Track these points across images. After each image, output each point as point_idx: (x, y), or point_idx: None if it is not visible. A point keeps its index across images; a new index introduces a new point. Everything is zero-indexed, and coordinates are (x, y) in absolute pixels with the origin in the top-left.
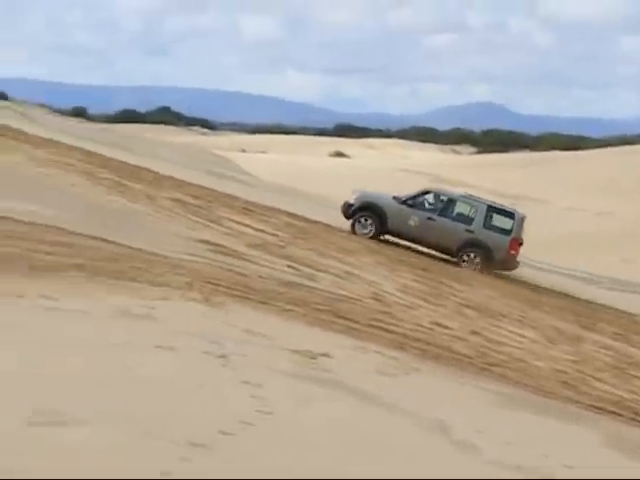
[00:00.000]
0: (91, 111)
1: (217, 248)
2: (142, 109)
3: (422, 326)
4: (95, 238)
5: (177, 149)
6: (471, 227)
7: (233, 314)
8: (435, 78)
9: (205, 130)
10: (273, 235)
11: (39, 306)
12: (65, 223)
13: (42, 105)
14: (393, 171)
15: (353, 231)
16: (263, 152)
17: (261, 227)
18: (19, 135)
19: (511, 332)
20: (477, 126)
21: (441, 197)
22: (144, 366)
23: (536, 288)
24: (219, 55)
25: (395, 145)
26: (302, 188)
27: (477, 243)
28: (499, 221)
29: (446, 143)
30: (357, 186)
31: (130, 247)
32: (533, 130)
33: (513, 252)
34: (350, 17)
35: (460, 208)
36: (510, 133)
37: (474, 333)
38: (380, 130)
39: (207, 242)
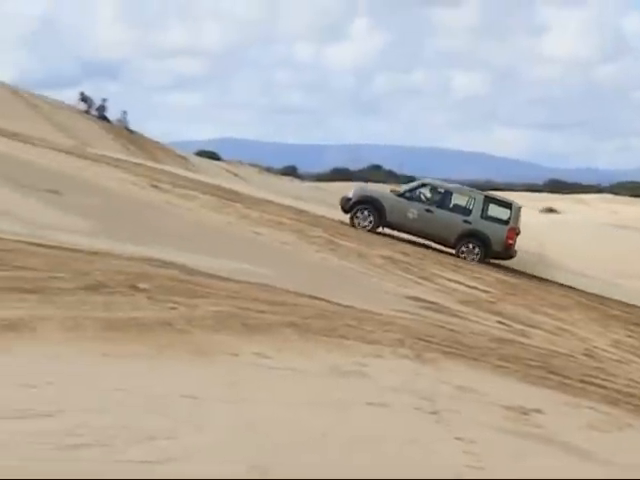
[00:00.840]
0: (302, 169)
1: (428, 305)
2: (353, 167)
3: (635, 382)
4: (307, 296)
5: None
6: (469, 218)
7: (445, 370)
8: None
9: None
10: (484, 291)
11: (253, 364)
12: (277, 281)
13: (253, 164)
14: (602, 226)
15: (352, 224)
16: None
17: (472, 284)
18: (231, 194)
19: None
20: None
21: (438, 189)
22: (356, 423)
23: None
24: (428, 112)
25: (605, 200)
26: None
27: (475, 234)
28: (496, 211)
29: None
30: (567, 241)
31: (341, 304)
32: None
33: (511, 242)
34: (555, 72)
35: (457, 200)
36: None
37: None
38: (591, 185)
39: (418, 299)
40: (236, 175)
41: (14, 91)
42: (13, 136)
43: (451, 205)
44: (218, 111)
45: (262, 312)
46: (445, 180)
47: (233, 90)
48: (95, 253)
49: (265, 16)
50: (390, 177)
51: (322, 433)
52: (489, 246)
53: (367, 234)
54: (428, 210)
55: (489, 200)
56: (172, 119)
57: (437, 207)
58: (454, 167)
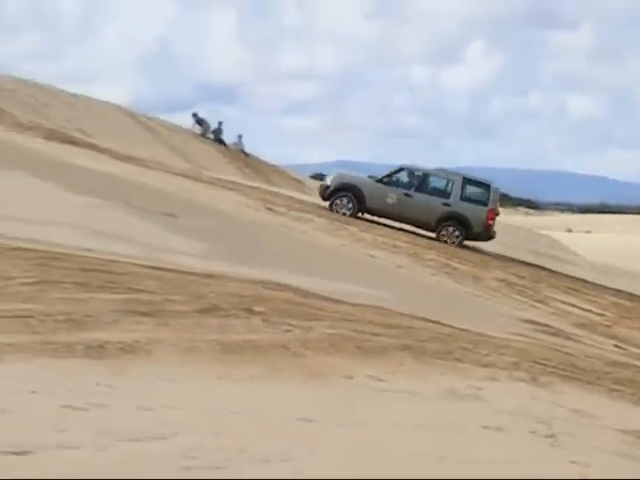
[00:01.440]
0: None
1: (543, 328)
2: None
3: None
4: (422, 319)
5: (503, 229)
6: (448, 200)
7: (560, 394)
8: None
9: (530, 210)
10: (599, 314)
11: (368, 387)
12: (392, 304)
13: None
14: None
15: (331, 211)
16: (588, 232)
17: (587, 307)
18: (345, 217)
19: None
20: None
21: (416, 173)
22: (471, 446)
23: None
24: (544, 135)
25: None
26: (628, 267)
27: (455, 216)
28: (475, 193)
29: None
30: None
31: (456, 327)
32: None
33: (491, 222)
34: None
35: (436, 182)
36: None
37: None
38: None
39: (533, 322)
40: None
41: (131, 114)
42: (130, 159)
43: (430, 188)
44: (333, 134)
45: (377, 335)
46: (559, 204)
47: (348, 113)
48: (210, 276)
49: (381, 39)
50: (505, 200)
51: (438, 456)
52: (469, 228)
53: (481, 256)
54: (407, 194)
55: (467, 182)
56: (287, 142)
57: (416, 191)
58: (569, 190)
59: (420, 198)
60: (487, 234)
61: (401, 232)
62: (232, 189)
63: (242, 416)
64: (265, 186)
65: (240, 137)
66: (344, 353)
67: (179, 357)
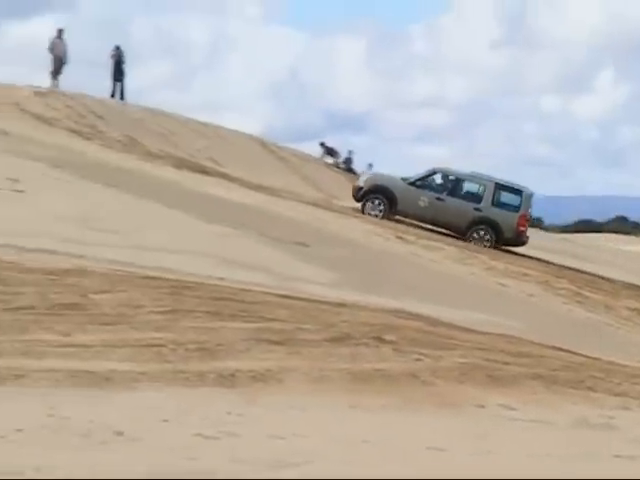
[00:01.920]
0: (547, 221)
1: None
2: (598, 218)
3: None
4: (553, 347)
5: (634, 258)
6: (480, 205)
7: None
8: None
9: None
10: None
11: (499, 416)
12: (523, 333)
13: None
14: None
15: (363, 213)
16: None
17: None
18: (475, 246)
19: None
20: None
21: (449, 177)
22: (604, 475)
23: None
24: None
25: None
26: None
27: (486, 220)
28: (507, 198)
29: None
30: None
31: (588, 356)
32: None
33: (522, 228)
34: None
35: (468, 187)
36: None
37: None
38: None
39: None
40: None
41: (261, 143)
42: (261, 188)
43: (462, 192)
44: (462, 162)
45: (507, 364)
46: None
47: (477, 141)
48: (341, 304)
49: (510, 68)
50: (637, 229)
51: None
52: (500, 233)
53: (612, 285)
54: (439, 198)
55: (500, 187)
56: (417, 170)
57: (448, 195)
58: None
59: (452, 202)
60: (519, 240)
61: (532, 260)
62: (362, 218)
63: (373, 445)
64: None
65: (370, 166)
66: (475, 382)
67: (310, 386)
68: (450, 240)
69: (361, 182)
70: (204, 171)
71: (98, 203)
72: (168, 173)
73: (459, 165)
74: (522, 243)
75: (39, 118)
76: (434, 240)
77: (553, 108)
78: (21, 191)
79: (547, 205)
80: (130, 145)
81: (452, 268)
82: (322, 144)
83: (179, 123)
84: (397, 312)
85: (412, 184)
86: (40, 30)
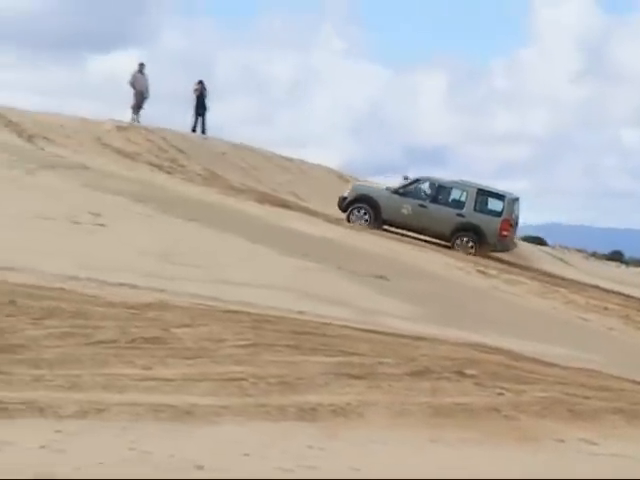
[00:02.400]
0: (628, 254)
1: None
2: None
3: None
4: (633, 382)
5: None
6: (462, 211)
7: None
8: None
9: None
10: None
11: (580, 450)
12: (603, 367)
13: (579, 250)
14: None
15: (348, 222)
16: None
17: None
18: (557, 280)
19: None
20: None
21: (431, 184)
22: None
23: None
24: None
25: None
26: None
27: (469, 227)
28: (490, 204)
29: None
30: None
31: None
32: None
33: (505, 233)
34: None
35: (451, 194)
36: None
37: None
38: None
39: None
40: (562, 260)
41: (341, 177)
42: (342, 222)
43: (445, 199)
44: (544, 196)
45: (588, 398)
46: None
47: (558, 175)
48: (421, 338)
49: (590, 101)
50: None
51: None
52: (483, 238)
53: None
54: (422, 205)
55: (482, 193)
56: None
57: (430, 202)
58: None
59: (435, 209)
60: (502, 245)
61: (612, 294)
62: (442, 252)
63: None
64: None
65: (406, 178)
66: (555, 416)
67: (391, 420)
68: (532, 274)
69: (345, 192)
70: (286, 205)
71: (179, 237)
72: (250, 207)
73: (538, 199)
74: (507, 248)
75: (120, 152)
76: (515, 274)
77: (634, 141)
78: (103, 225)
79: (627, 238)
80: (211, 179)
81: (533, 302)
82: (405, 178)
83: (262, 157)
84: (478, 346)
85: (395, 192)
86: (121, 64)
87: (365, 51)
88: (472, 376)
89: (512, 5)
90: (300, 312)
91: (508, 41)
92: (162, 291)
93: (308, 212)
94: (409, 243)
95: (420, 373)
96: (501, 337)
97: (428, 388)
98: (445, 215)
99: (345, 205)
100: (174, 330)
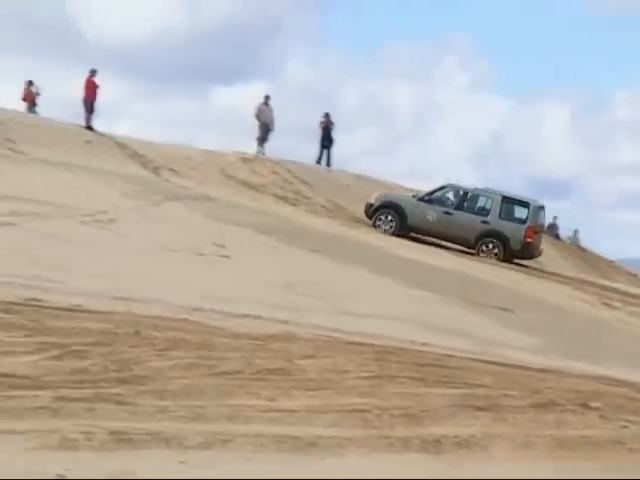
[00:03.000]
0: None
1: None
2: None
3: None
4: None
5: None
6: (487, 218)
7: None
8: None
9: None
10: None
11: None
12: None
13: None
14: None
15: (374, 227)
16: None
17: None
18: None
19: None
20: None
21: (457, 191)
22: None
23: None
24: None
25: None
26: None
27: (493, 233)
28: (515, 211)
29: None
30: None
31: None
32: None
33: (529, 240)
34: None
35: (476, 201)
36: None
37: None
38: None
39: None
40: None
41: None
42: (463, 254)
43: (470, 207)
44: None
45: None
46: None
47: None
48: (546, 370)
49: None
50: None
51: None
52: (508, 245)
53: None
54: (447, 212)
55: (507, 200)
56: (622, 236)
57: (455, 209)
58: None
59: (460, 216)
60: (527, 251)
61: None
62: (566, 283)
63: None
64: (600, 281)
65: (576, 232)
66: None
67: (515, 452)
68: None
69: (372, 199)
70: (408, 236)
71: (303, 268)
72: (373, 238)
73: None
74: (531, 256)
75: (245, 184)
76: None
77: None
78: (227, 257)
79: None
80: (335, 211)
81: None
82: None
83: (385, 189)
84: (603, 378)
85: (421, 199)
86: (245, 96)
87: (488, 83)
88: (597, 409)
89: (638, 35)
90: (423, 344)
91: (633, 72)
92: (286, 322)
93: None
94: (533, 275)
95: (544, 405)
96: (626, 370)
97: (552, 421)
98: (470, 222)
99: (372, 212)
100: (298, 361)
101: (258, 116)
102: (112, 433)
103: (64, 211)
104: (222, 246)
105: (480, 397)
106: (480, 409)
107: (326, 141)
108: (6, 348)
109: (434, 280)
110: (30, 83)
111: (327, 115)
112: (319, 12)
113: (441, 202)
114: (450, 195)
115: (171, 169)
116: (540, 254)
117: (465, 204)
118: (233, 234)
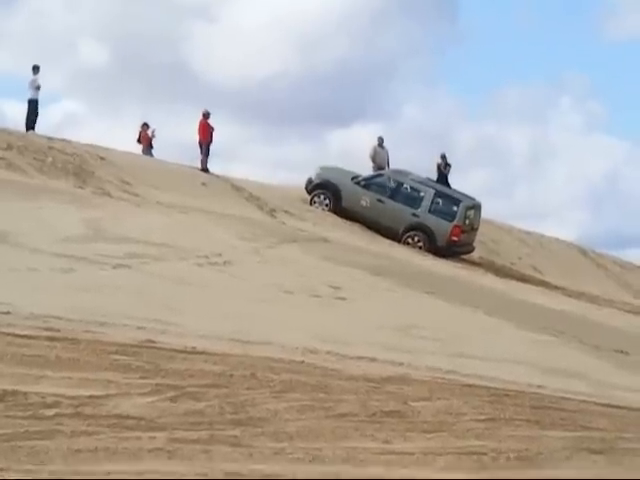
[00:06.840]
0: None
1: None
2: None
3: None
4: None
5: None
6: (417, 211)
7: None
8: None
9: None
10: None
11: None
12: None
13: None
14: None
15: (311, 205)
16: None
17: None
18: None
19: None
20: None
21: (393, 180)
22: None
23: None
24: None
25: None
26: None
27: (421, 227)
28: (445, 207)
29: None
30: None
31: None
32: None
33: (454, 238)
34: None
35: (409, 192)
36: None
37: None
38: None
39: None
40: None
41: (581, 251)
42: (581, 296)
43: (403, 197)
44: None
45: None
46: None
47: None
48: None
49: None
50: None
51: None
52: (433, 240)
53: None
54: (380, 200)
55: (439, 195)
56: None
57: (388, 197)
58: None
59: (391, 205)
60: (450, 249)
61: None
62: None
63: None
64: None
65: None
66: None
67: None
68: None
69: (313, 175)
70: (524, 279)
71: (418, 310)
72: (489, 280)
73: None
74: (457, 253)
75: (360, 226)
76: None
77: None
78: (342, 298)
79: None
80: None
81: None
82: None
83: (500, 230)
84: None
85: (357, 183)
86: (360, 138)
87: (602, 124)
88: None
89: None
90: (539, 386)
91: None
92: (401, 364)
93: (547, 285)
94: None
95: None
96: None
97: None
98: (400, 213)
99: (311, 188)
100: (413, 404)
101: (373, 158)
102: (228, 474)
103: (179, 253)
104: (338, 288)
105: (596, 440)
106: (596, 452)
107: (443, 182)
108: (122, 390)
109: (551, 322)
110: (145, 125)
111: (444, 157)
112: (433, 54)
113: (377, 188)
114: (386, 182)
115: (287, 211)
116: (470, 252)
117: (399, 194)
118: (348, 276)
